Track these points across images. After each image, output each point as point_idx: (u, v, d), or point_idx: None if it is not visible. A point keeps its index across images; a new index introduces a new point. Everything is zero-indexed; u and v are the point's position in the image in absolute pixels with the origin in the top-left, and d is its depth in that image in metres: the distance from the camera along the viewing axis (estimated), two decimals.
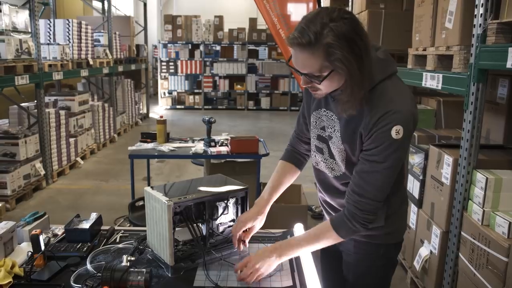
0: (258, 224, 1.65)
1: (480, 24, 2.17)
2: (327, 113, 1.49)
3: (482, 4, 2.14)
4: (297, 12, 5.87)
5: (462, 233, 2.36)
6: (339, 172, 1.50)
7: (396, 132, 1.30)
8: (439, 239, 2.60)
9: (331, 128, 1.47)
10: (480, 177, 2.23)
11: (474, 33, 2.21)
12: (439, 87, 2.56)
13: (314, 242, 1.46)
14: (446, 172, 2.55)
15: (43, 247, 1.51)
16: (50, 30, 6.24)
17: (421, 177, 2.88)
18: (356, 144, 1.39)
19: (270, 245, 1.50)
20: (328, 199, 1.62)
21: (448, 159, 2.53)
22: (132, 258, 1.48)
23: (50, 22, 6.28)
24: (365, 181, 1.37)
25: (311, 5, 5.71)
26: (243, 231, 1.62)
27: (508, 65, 1.89)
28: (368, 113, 1.34)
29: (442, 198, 2.60)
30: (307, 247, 1.47)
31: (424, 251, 2.79)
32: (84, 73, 6.63)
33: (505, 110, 2.65)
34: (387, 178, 1.37)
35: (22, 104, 5.36)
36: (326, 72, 1.28)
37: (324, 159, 1.54)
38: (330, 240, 1.45)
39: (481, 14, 2.15)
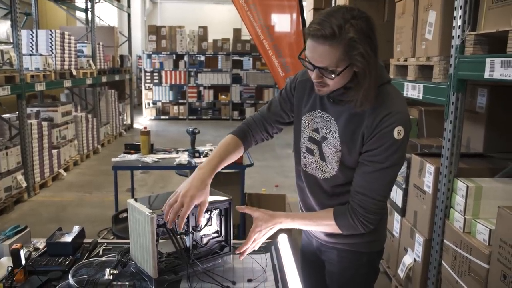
0: (207, 197, 1.47)
1: (458, 36, 2.22)
2: (322, 114, 1.50)
3: (460, 16, 2.20)
4: (280, 23, 5.92)
5: (445, 240, 2.39)
6: (330, 174, 1.51)
7: (398, 132, 1.34)
8: (422, 247, 2.63)
9: (326, 129, 1.48)
10: (461, 185, 2.26)
11: (453, 44, 2.27)
12: (420, 97, 2.60)
13: (314, 226, 1.56)
14: (428, 181, 2.58)
15: (23, 262, 1.48)
16: (33, 41, 6.19)
17: (404, 186, 2.91)
18: (357, 145, 1.41)
19: (271, 212, 1.52)
20: (313, 203, 1.61)
21: (430, 168, 2.56)
22: (115, 271, 1.46)
23: (33, 32, 6.23)
24: (367, 181, 1.40)
25: (294, 16, 5.77)
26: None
27: (486, 76, 1.93)
28: (371, 114, 1.37)
29: (424, 207, 2.63)
30: (306, 227, 1.62)
31: (408, 259, 2.81)
32: (67, 83, 6.58)
33: (484, 119, 2.70)
34: (389, 178, 1.41)
35: (4, 115, 5.29)
36: (342, 67, 1.29)
37: (315, 161, 1.55)
38: (329, 228, 1.50)
39: (459, 25, 2.21)
